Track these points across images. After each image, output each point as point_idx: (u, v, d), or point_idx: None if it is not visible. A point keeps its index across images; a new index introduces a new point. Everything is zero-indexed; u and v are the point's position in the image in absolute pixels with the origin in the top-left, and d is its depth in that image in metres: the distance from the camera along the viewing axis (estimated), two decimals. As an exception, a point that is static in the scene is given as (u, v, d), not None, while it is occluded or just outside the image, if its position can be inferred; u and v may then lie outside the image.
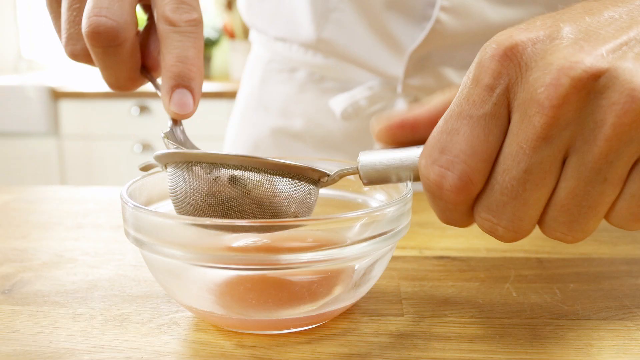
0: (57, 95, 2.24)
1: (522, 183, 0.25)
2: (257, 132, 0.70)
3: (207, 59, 2.46)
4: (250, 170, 0.30)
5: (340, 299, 0.32)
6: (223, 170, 0.30)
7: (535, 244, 0.46)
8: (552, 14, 0.26)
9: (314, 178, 0.32)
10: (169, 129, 0.36)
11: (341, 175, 0.32)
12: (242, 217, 0.30)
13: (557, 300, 0.36)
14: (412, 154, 0.29)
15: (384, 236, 0.30)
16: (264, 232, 0.31)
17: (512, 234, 0.26)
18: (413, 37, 0.57)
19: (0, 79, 2.39)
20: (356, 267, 0.32)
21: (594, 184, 0.25)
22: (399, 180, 0.30)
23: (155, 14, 0.36)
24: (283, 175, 0.31)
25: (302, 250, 0.28)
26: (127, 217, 0.31)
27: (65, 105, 2.26)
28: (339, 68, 0.63)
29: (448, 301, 0.36)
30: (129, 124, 2.26)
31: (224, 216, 0.31)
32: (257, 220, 0.30)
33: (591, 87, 0.23)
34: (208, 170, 0.30)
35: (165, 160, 0.32)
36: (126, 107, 2.24)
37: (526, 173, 0.25)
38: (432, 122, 0.28)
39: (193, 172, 0.31)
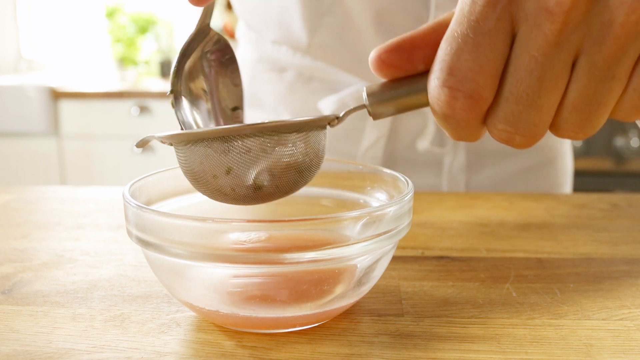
0: (57, 95, 2.24)
1: (536, 90, 0.26)
2: None
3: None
4: (263, 136, 0.30)
5: (343, 297, 0.32)
6: (235, 142, 0.30)
7: (535, 244, 0.46)
8: None
9: (324, 124, 0.32)
10: (173, 102, 0.34)
11: (349, 113, 0.32)
12: (262, 181, 0.31)
13: (557, 300, 0.36)
14: (418, 81, 0.29)
15: (385, 235, 0.30)
16: (271, 226, 0.31)
17: (528, 140, 0.27)
18: None
19: (0, 79, 2.39)
20: (358, 266, 0.32)
21: (604, 81, 0.25)
22: (407, 109, 0.30)
23: None
24: (297, 132, 0.31)
25: (305, 249, 0.28)
26: (130, 217, 0.31)
27: (65, 105, 2.26)
28: (328, 70, 0.64)
29: (448, 301, 0.36)
30: (129, 124, 2.26)
31: (245, 182, 0.31)
32: (263, 220, 0.30)
33: None
34: (220, 146, 0.30)
35: (170, 141, 0.32)
36: (126, 107, 2.24)
37: (540, 80, 0.25)
38: (428, 41, 0.28)
39: (204, 149, 0.30)
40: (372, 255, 0.32)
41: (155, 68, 2.67)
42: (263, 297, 0.32)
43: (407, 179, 0.35)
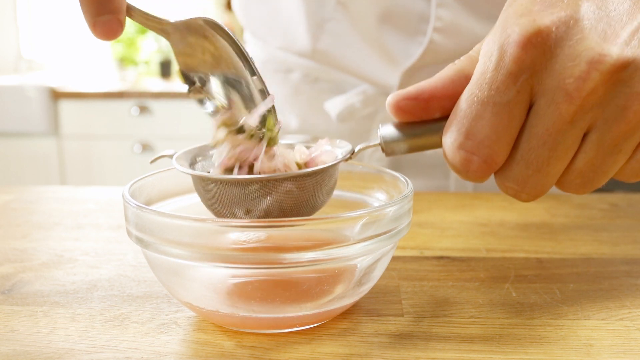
0: (57, 95, 2.24)
1: (546, 159, 0.27)
2: None
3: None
4: (284, 182, 0.31)
5: (343, 297, 0.32)
6: (253, 186, 0.31)
7: (535, 244, 0.46)
8: None
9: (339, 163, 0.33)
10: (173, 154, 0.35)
11: (364, 149, 0.33)
12: (274, 211, 0.32)
13: (557, 300, 0.36)
14: (433, 126, 0.30)
15: (385, 235, 0.30)
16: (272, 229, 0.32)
17: (533, 197, 0.29)
18: (407, 50, 0.58)
19: (0, 79, 2.39)
20: (358, 266, 0.32)
21: (610, 155, 0.27)
22: (420, 149, 0.31)
23: None
24: (314, 176, 0.32)
25: (305, 249, 0.28)
26: (130, 217, 0.31)
27: (65, 105, 2.26)
28: (333, 72, 0.64)
29: (448, 301, 0.36)
30: (129, 124, 2.26)
31: (257, 213, 0.32)
32: (263, 220, 0.30)
33: (617, 77, 0.25)
34: (240, 191, 0.31)
35: (189, 174, 0.33)
36: (126, 107, 2.24)
37: (551, 151, 0.27)
38: (447, 92, 0.29)
39: (224, 188, 0.32)
40: (372, 255, 0.32)
41: (155, 68, 2.67)
42: (263, 297, 0.32)
43: (407, 179, 0.35)
